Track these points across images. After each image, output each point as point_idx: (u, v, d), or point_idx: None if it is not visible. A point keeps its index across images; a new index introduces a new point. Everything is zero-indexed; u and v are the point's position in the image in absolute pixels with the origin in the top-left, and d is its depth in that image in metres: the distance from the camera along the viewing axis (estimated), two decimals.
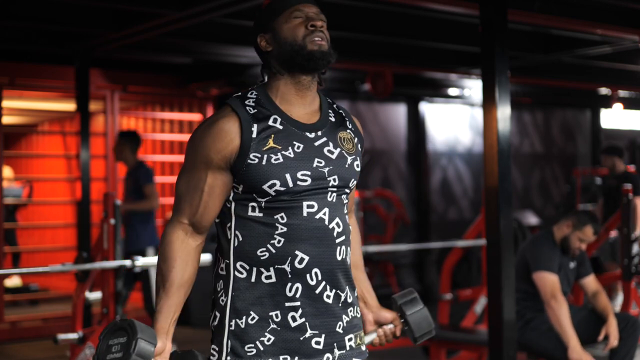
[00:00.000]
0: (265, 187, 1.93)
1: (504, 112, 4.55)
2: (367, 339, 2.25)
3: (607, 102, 11.57)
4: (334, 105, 2.14)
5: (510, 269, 4.51)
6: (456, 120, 11.09)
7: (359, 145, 2.12)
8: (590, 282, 4.82)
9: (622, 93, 11.20)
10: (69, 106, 8.72)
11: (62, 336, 4.53)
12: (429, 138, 10.76)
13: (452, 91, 10.23)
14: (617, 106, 11.37)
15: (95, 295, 4.75)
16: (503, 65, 4.56)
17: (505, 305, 4.46)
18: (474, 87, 10.14)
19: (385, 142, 10.33)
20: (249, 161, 1.93)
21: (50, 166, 10.56)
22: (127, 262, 4.46)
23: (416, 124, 10.62)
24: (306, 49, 1.99)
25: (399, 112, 10.52)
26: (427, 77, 9.81)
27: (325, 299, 1.98)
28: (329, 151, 2.01)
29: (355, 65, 8.35)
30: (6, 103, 8.29)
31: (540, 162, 12.11)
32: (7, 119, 8.80)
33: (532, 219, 10.47)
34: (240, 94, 2.03)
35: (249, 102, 2.00)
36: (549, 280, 4.53)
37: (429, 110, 10.70)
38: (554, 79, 9.90)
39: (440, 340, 5.36)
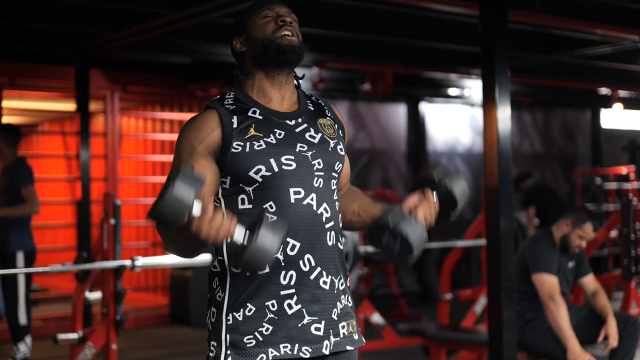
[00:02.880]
0: (251, 173, 1.96)
1: (504, 112, 4.55)
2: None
3: (607, 102, 11.56)
4: (313, 97, 2.19)
5: (510, 269, 4.51)
6: (456, 120, 11.09)
7: (341, 131, 2.16)
8: (589, 281, 4.82)
9: (622, 93, 11.20)
10: (69, 106, 8.71)
11: (62, 336, 4.53)
12: (429, 138, 10.76)
13: (452, 91, 10.23)
14: (617, 106, 11.37)
15: (95, 295, 4.74)
16: (503, 65, 4.57)
17: (505, 305, 4.46)
18: (474, 87, 10.14)
19: (385, 142, 10.32)
20: (232, 150, 1.97)
21: (50, 166, 10.56)
22: (127, 262, 4.46)
23: (416, 124, 10.62)
24: (275, 43, 2.05)
25: (399, 112, 10.52)
26: (427, 77, 9.81)
27: (322, 285, 2.00)
28: (310, 136, 2.06)
29: (355, 65, 8.36)
30: (6, 103, 8.29)
31: (540, 162, 12.11)
32: (7, 119, 8.80)
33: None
34: (218, 96, 2.10)
35: (228, 101, 2.06)
36: (547, 282, 4.53)
37: (429, 110, 10.70)
38: (554, 79, 9.90)
39: (440, 340, 5.36)
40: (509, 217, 4.56)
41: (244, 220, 1.94)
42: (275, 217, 1.92)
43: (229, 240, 1.83)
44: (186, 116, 8.94)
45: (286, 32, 2.06)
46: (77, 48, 6.96)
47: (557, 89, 11.08)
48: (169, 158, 9.05)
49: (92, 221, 7.24)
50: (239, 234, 1.83)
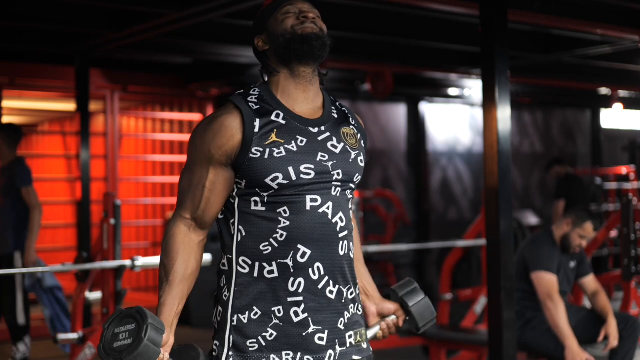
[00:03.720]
0: (267, 180, 1.92)
1: (504, 112, 4.55)
2: (370, 332, 2.22)
3: (607, 102, 11.56)
4: (337, 103, 2.15)
5: (510, 269, 4.51)
6: (456, 120, 11.09)
7: (362, 142, 2.14)
8: (590, 281, 4.81)
9: (622, 93, 11.20)
10: (69, 106, 8.72)
11: (62, 336, 4.53)
12: (429, 138, 10.76)
13: (452, 91, 10.22)
14: (617, 106, 11.37)
15: (95, 295, 4.74)
16: (503, 65, 4.56)
17: (505, 305, 4.46)
18: (474, 87, 10.14)
19: (385, 142, 10.32)
20: (251, 155, 1.93)
21: (50, 166, 10.56)
22: (127, 262, 4.46)
23: (416, 124, 10.62)
24: (297, 34, 2.01)
25: (399, 112, 10.52)
26: (427, 77, 9.81)
27: (328, 294, 1.97)
28: (332, 146, 2.02)
29: (355, 65, 8.36)
30: (6, 103, 8.30)
31: (540, 162, 12.11)
32: (7, 119, 8.80)
33: (532, 219, 10.46)
34: (242, 91, 2.04)
35: (252, 98, 2.01)
36: (545, 281, 4.53)
37: (429, 110, 10.70)
38: (554, 79, 9.90)
39: (440, 340, 5.36)
40: (509, 217, 4.56)
41: (255, 222, 1.96)
42: None
43: None
44: (186, 116, 8.95)
45: (308, 26, 2.02)
46: (77, 48, 6.95)
47: (557, 89, 11.08)
48: (169, 158, 9.05)
49: (92, 221, 7.24)
50: None
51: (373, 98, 9.69)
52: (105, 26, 6.39)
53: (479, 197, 10.86)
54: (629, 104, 11.88)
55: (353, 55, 7.88)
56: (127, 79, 8.39)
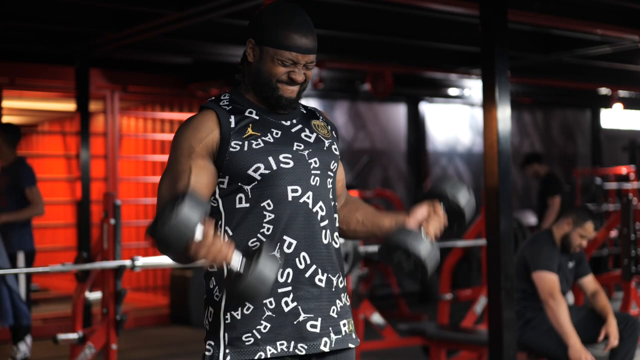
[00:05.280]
0: (250, 171, 1.97)
1: (504, 112, 4.55)
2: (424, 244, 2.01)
3: (607, 102, 11.56)
4: (302, 104, 2.21)
5: (510, 269, 4.51)
6: (456, 120, 11.09)
7: (334, 132, 2.19)
8: (589, 281, 4.81)
9: (622, 93, 11.20)
10: (69, 106, 8.72)
11: (62, 336, 4.53)
12: (429, 138, 10.76)
13: (452, 91, 10.23)
14: (617, 106, 11.37)
15: (95, 295, 4.75)
16: (503, 65, 4.57)
17: (505, 305, 4.46)
18: (474, 87, 10.14)
19: (385, 142, 10.32)
20: (231, 149, 1.98)
21: (50, 166, 10.55)
22: (127, 262, 4.46)
23: (416, 124, 10.62)
24: (276, 92, 2.04)
25: (399, 112, 10.52)
26: (427, 77, 9.81)
27: (318, 283, 2.02)
28: (306, 136, 2.08)
29: (355, 65, 8.36)
30: (6, 103, 8.29)
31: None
32: (7, 119, 8.80)
33: (532, 219, 10.46)
34: (213, 97, 2.10)
35: (224, 102, 2.07)
36: (547, 280, 4.53)
37: (429, 110, 10.70)
38: (554, 79, 9.90)
39: (440, 340, 5.36)
40: (509, 217, 4.56)
41: (241, 220, 1.97)
42: (273, 252, 1.95)
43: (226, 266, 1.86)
44: (186, 116, 8.94)
45: (290, 88, 2.04)
46: (77, 48, 6.96)
47: (557, 89, 11.08)
48: None
49: (92, 221, 7.24)
50: (236, 261, 1.85)
51: (373, 98, 9.69)
52: (105, 26, 6.39)
53: (479, 197, 10.86)
54: (629, 104, 11.88)
55: (353, 55, 7.88)
56: (127, 79, 8.39)
